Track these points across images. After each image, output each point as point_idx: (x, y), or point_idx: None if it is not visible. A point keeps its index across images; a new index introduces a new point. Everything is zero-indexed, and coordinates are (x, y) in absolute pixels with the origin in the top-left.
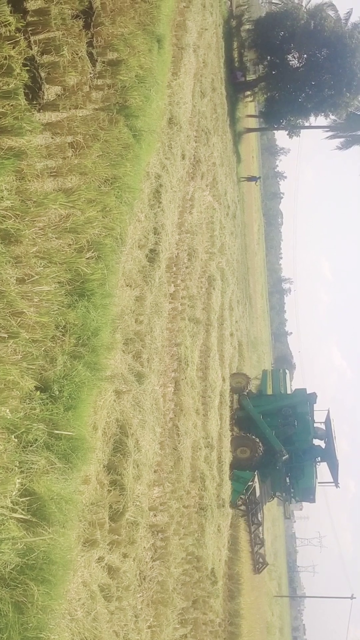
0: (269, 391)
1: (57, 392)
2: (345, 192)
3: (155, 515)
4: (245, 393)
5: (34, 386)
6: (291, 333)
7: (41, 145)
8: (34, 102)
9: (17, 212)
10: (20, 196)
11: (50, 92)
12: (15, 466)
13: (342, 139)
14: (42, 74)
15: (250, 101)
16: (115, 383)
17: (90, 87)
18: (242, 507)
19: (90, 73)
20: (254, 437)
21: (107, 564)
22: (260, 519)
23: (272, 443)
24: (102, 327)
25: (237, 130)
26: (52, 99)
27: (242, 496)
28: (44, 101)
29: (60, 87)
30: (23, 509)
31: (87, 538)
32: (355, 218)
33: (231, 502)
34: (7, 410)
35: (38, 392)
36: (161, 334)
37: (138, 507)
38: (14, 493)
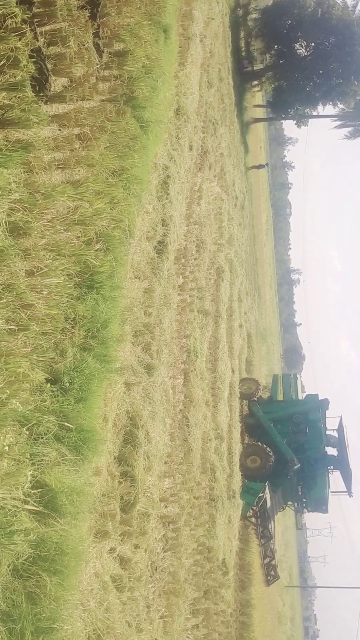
0: (280, 397)
1: (68, 384)
2: (354, 182)
3: (166, 507)
4: (255, 399)
5: (44, 378)
6: (300, 324)
7: (48, 138)
8: (41, 94)
9: (26, 205)
10: (29, 189)
11: (57, 83)
12: (27, 458)
13: (350, 128)
14: (49, 66)
15: (258, 91)
16: (125, 375)
17: (97, 78)
18: (253, 519)
19: (97, 64)
20: (264, 445)
21: (119, 554)
22: (271, 530)
23: (284, 452)
24: (111, 319)
25: (244, 121)
26: (58, 90)
27: (252, 508)
28: (51, 93)
29: (66, 78)
30: (35, 501)
31: (99, 529)
32: None
33: (242, 514)
34: (18, 402)
35: (48, 385)
36: (170, 325)
37: (149, 498)
38: (25, 485)
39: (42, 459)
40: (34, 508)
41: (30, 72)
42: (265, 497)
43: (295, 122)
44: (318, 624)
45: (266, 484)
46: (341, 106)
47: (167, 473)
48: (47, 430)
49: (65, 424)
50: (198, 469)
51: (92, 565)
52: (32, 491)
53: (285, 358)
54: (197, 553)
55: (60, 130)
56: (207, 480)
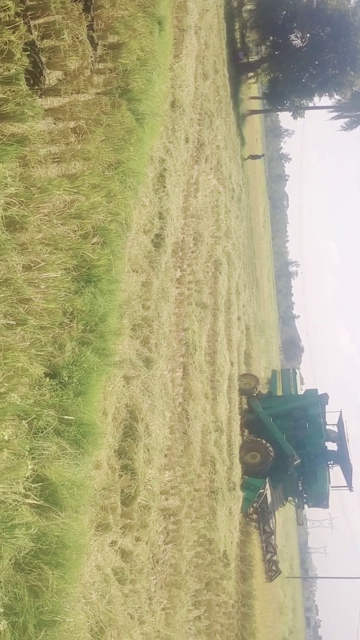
0: (279, 392)
1: (67, 378)
2: (351, 173)
3: (166, 499)
4: (255, 394)
5: (43, 373)
6: (299, 316)
7: (44, 131)
8: (36, 88)
9: (22, 199)
10: (24, 183)
11: (52, 77)
12: (27, 452)
13: (346, 119)
14: (43, 59)
15: (254, 82)
16: (124, 368)
17: (91, 71)
18: (254, 516)
19: (92, 57)
20: (264, 441)
21: (120, 547)
22: (272, 526)
23: (284, 447)
24: (110, 313)
25: (240, 113)
26: (53, 84)
27: (253, 505)
28: (46, 86)
29: (61, 71)
30: (35, 495)
31: (100, 522)
32: None
33: (242, 511)
34: (17, 396)
35: (47, 379)
36: (168, 319)
37: (149, 491)
38: (26, 474)
39: (42, 453)
40: (34, 502)
41: (24, 65)
42: (266, 494)
43: (291, 113)
44: (319, 614)
45: (266, 480)
46: (337, 97)
47: (167, 466)
48: (47, 425)
49: (66, 417)
50: (198, 462)
51: (94, 558)
52: (33, 485)
53: (284, 350)
54: (198, 545)
55: (55, 123)
56: (207, 472)
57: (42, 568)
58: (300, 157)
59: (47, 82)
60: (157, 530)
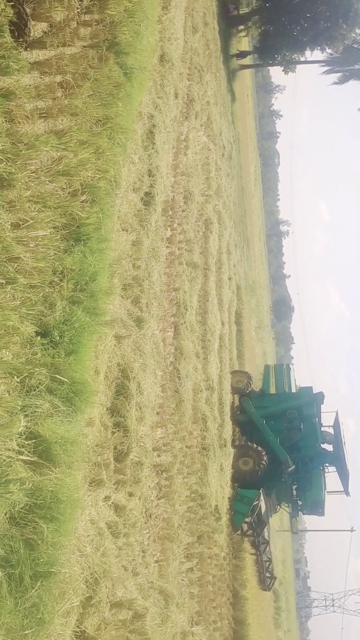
0: (272, 390)
1: (58, 337)
2: (341, 129)
3: (159, 456)
4: (247, 393)
5: (34, 331)
6: (289, 276)
7: (30, 85)
8: (20, 40)
9: (9, 155)
10: (11, 138)
11: (37, 28)
12: (19, 410)
13: (339, 74)
14: (28, 10)
15: (244, 36)
16: (115, 328)
17: (77, 23)
18: (248, 532)
19: (78, 8)
20: (257, 446)
21: (114, 502)
22: (266, 537)
23: (277, 452)
24: (100, 272)
25: (231, 68)
26: (38, 36)
27: (247, 519)
28: (31, 38)
29: (46, 23)
30: (29, 451)
31: (93, 478)
32: (352, 156)
33: (234, 525)
34: (9, 353)
35: (38, 338)
36: (159, 278)
37: (142, 448)
38: (19, 436)
39: (35, 411)
40: (28, 458)
41: (8, 16)
42: (260, 505)
43: (282, 68)
44: (309, 566)
45: (260, 491)
46: (329, 51)
47: (159, 423)
48: (39, 383)
49: (58, 376)
50: (189, 419)
51: (88, 513)
52: (26, 442)
53: (275, 310)
54: (190, 500)
55: (41, 77)
56: (199, 429)
57: (37, 522)
58: (291, 113)
59: (32, 34)
60: (149, 486)
